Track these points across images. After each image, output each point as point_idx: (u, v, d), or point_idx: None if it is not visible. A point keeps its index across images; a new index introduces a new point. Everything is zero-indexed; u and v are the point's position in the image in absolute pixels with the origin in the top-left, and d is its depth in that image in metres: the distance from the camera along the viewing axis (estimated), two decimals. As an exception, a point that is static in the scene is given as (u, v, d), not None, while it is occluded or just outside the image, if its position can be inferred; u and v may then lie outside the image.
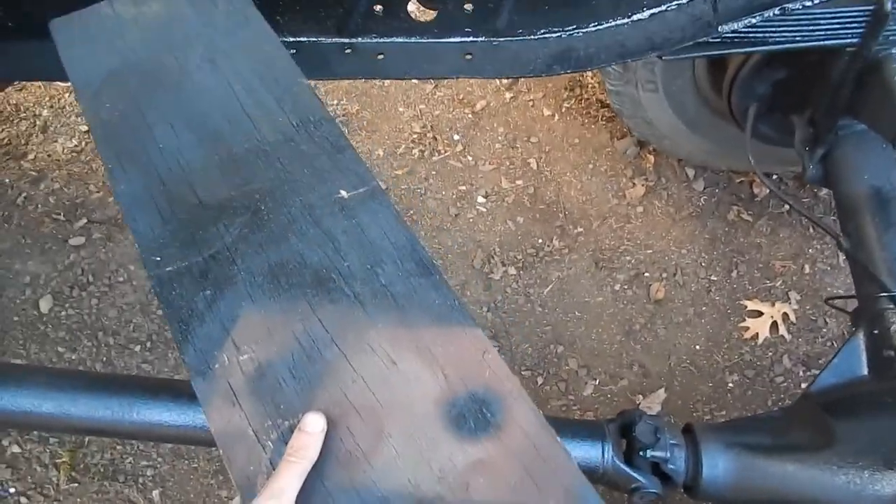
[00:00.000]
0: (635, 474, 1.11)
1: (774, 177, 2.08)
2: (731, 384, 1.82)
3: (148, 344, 1.92)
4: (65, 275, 2.04)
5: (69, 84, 1.16)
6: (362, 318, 0.85)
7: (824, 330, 1.87)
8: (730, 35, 1.11)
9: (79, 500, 1.72)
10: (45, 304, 1.98)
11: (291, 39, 1.32)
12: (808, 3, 1.04)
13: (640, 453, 1.12)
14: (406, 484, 0.76)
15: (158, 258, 0.91)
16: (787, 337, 1.85)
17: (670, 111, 1.84)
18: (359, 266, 0.89)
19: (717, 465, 1.12)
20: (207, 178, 0.98)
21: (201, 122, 1.03)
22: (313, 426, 0.77)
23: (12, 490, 1.73)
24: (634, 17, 1.18)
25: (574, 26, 1.21)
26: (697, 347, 1.87)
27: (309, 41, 1.32)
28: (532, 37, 1.24)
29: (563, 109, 2.29)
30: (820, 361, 1.82)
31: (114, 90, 1.08)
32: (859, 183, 1.40)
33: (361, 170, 0.97)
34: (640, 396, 1.81)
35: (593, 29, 1.21)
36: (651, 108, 1.84)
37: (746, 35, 1.14)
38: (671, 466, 1.12)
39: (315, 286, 0.88)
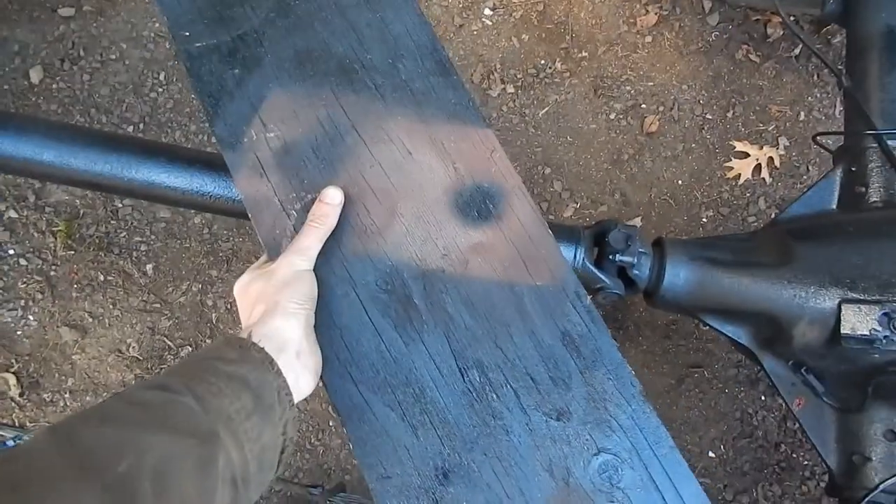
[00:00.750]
0: (601, 275, 1.18)
1: (792, 18, 2.01)
2: (704, 219, 1.88)
3: (141, 125, 1.93)
4: (55, 46, 1.99)
5: None
6: (382, 109, 0.90)
7: (805, 177, 1.91)
8: None
9: (75, 266, 1.81)
10: (35, 75, 1.95)
11: None
12: None
13: (610, 257, 1.19)
14: (413, 257, 0.86)
15: (187, 33, 0.93)
16: (768, 180, 1.89)
17: (697, -69, 1.73)
18: (381, 59, 0.92)
19: (679, 274, 1.19)
20: None
21: None
22: (332, 198, 0.85)
23: (11, 251, 1.82)
24: None
25: None
26: (680, 182, 1.92)
27: None
28: None
29: (585, -79, 2.14)
30: (795, 207, 1.88)
31: None
32: (875, 21, 1.36)
33: None
34: (618, 223, 1.88)
35: None
36: (677, -74, 1.73)
37: None
38: (636, 272, 1.20)
39: (338, 75, 0.91)
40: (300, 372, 0.77)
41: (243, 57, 0.93)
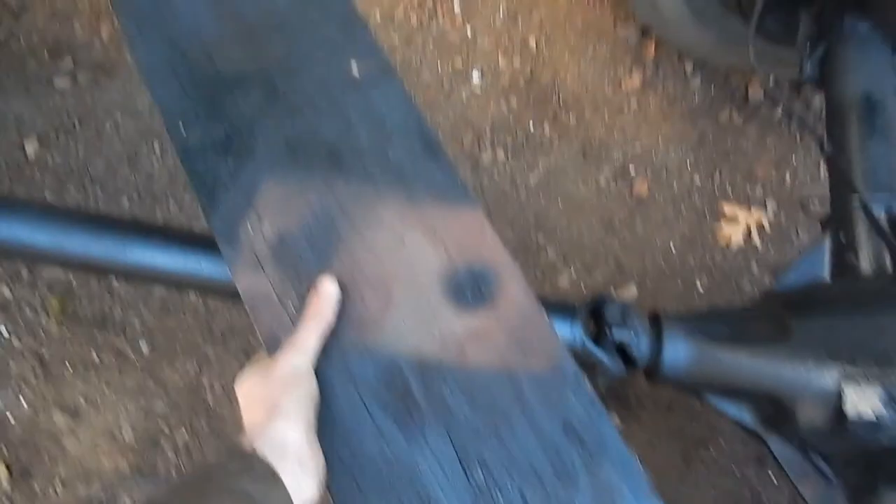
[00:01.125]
0: (599, 354, 1.18)
1: (771, 79, 2.06)
2: (699, 286, 1.90)
3: (135, 197, 1.94)
4: (51, 118, 2.00)
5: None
6: (373, 194, 0.91)
7: (796, 242, 1.93)
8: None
9: (69, 346, 1.80)
10: (30, 147, 1.96)
11: None
12: None
13: (608, 335, 1.19)
14: (411, 347, 0.86)
15: (181, 126, 0.95)
16: (759, 244, 1.92)
17: (679, -3, 1.78)
18: (370, 143, 0.93)
19: (678, 350, 1.18)
20: (224, 47, 0.99)
21: None
22: (327, 291, 0.85)
23: (3, 331, 1.80)
24: None
25: None
26: (672, 247, 1.94)
27: None
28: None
29: (571, -12, 2.21)
30: (785, 269, 1.90)
31: None
32: (853, 86, 1.38)
33: (374, 47, 0.99)
34: (612, 288, 1.89)
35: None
36: (660, -8, 1.78)
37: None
38: (634, 349, 1.19)
39: (329, 161, 0.92)
40: (303, 479, 0.76)
41: (237, 148, 0.94)
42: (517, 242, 1.93)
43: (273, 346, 0.87)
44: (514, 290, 0.88)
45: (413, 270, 0.88)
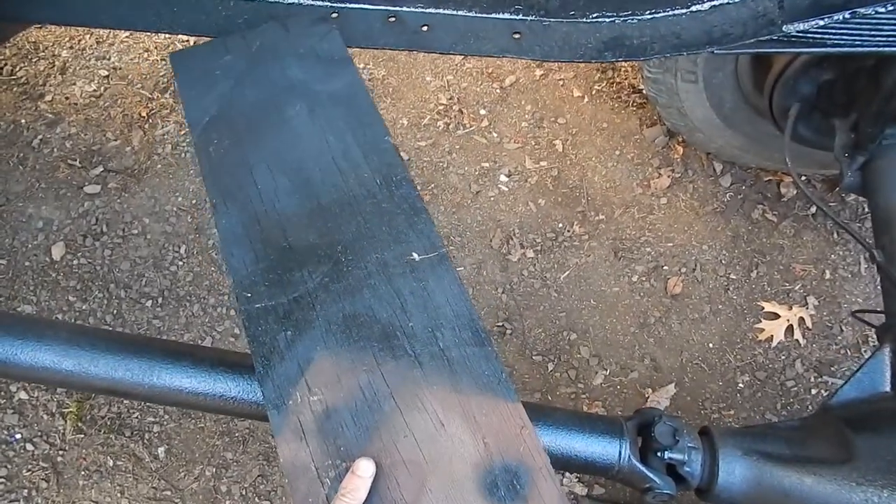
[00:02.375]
0: (651, 474, 1.11)
1: (803, 178, 2.05)
2: (741, 384, 1.81)
3: (160, 300, 1.91)
4: (78, 223, 2.01)
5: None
6: (419, 377, 0.93)
7: (839, 337, 1.86)
8: (792, 35, 1.07)
9: (84, 451, 1.72)
10: (57, 252, 1.96)
11: (335, 5, 1.28)
12: (882, 9, 1.00)
13: (658, 454, 1.12)
14: None
15: (249, 294, 1.01)
16: (802, 342, 1.84)
17: (707, 104, 1.80)
18: (421, 328, 0.97)
19: (734, 471, 1.12)
20: (297, 223, 1.06)
21: (296, 167, 1.12)
22: (364, 471, 0.86)
23: (18, 436, 1.73)
24: (694, 8, 1.13)
25: (629, 12, 1.17)
26: (711, 345, 1.86)
27: (352, 7, 1.28)
28: (584, 20, 1.20)
29: (594, 92, 2.25)
30: (832, 368, 1.81)
31: (222, 127, 1.18)
32: None
33: (433, 235, 1.05)
34: (650, 390, 1.81)
35: (649, 17, 1.17)
36: (687, 99, 1.80)
37: (808, 36, 1.10)
38: (687, 469, 1.12)
39: (381, 341, 0.96)
40: None
41: (296, 319, 0.98)
42: (549, 342, 1.87)
43: None
44: (548, 494, 0.86)
45: (449, 459, 0.88)
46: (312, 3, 1.30)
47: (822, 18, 1.02)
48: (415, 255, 1.03)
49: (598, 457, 1.14)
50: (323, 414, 0.91)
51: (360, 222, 1.06)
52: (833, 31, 1.08)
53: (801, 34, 1.06)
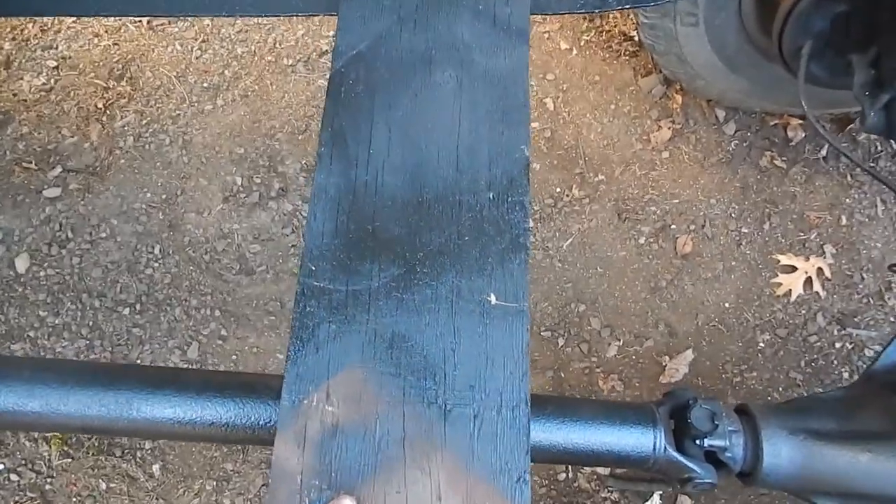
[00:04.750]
0: (691, 464, 1.02)
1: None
2: (762, 344, 1.72)
3: (137, 306, 1.78)
4: (41, 230, 1.86)
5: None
6: (438, 437, 0.84)
7: (860, 286, 1.77)
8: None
9: (73, 476, 1.61)
10: (21, 264, 1.82)
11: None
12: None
13: (696, 441, 1.03)
14: None
15: (314, 268, 0.92)
16: (822, 293, 1.75)
17: (709, 47, 1.67)
18: (464, 382, 0.86)
19: (780, 452, 1.04)
20: (390, 208, 0.96)
21: (415, 143, 1.00)
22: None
23: (1, 466, 1.62)
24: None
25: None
26: (727, 305, 1.77)
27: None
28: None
29: (582, 43, 2.10)
30: (856, 319, 1.73)
31: (364, 68, 1.05)
32: None
33: (522, 283, 0.92)
34: (667, 358, 1.72)
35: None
36: (688, 44, 1.67)
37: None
38: (728, 455, 1.04)
39: (418, 377, 0.87)
40: None
41: (346, 315, 0.89)
42: (557, 316, 1.76)
43: None
44: None
45: None
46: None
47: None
48: (492, 297, 0.91)
49: (632, 449, 1.04)
50: (331, 428, 0.83)
51: (453, 234, 0.94)
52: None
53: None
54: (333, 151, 0.99)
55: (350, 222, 0.95)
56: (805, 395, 1.64)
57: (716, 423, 1.04)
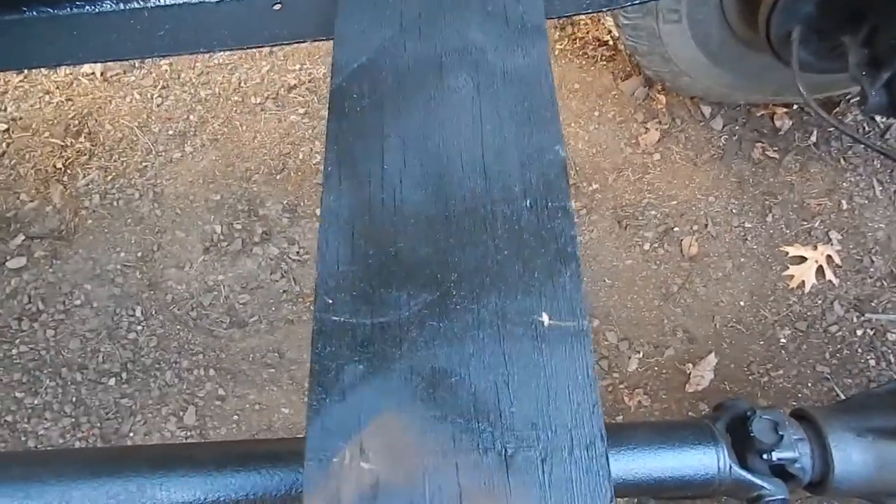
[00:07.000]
0: (760, 481, 0.95)
1: (795, 107, 1.91)
2: (783, 340, 1.67)
3: (123, 375, 1.64)
4: (8, 305, 1.72)
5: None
6: (502, 489, 0.71)
7: (871, 270, 1.73)
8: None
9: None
10: (-11, 344, 1.67)
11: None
12: None
13: (763, 456, 0.96)
14: None
15: (330, 301, 0.81)
16: (835, 281, 1.71)
17: (693, 43, 1.64)
18: (523, 420, 0.74)
19: (850, 457, 0.98)
20: (413, 226, 0.86)
21: (435, 153, 0.91)
22: None
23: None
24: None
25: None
26: (742, 303, 1.72)
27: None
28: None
29: (557, 52, 2.06)
30: (873, 304, 1.69)
31: (367, 81, 0.97)
32: None
33: (578, 297, 0.81)
34: (690, 365, 1.65)
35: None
36: (671, 42, 1.64)
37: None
38: (798, 466, 0.97)
39: (468, 419, 0.75)
40: None
41: (375, 352, 0.78)
42: (571, 336, 1.69)
43: None
44: None
45: None
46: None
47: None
48: (545, 318, 0.80)
49: (695, 472, 0.96)
50: (369, 491, 0.71)
51: (489, 249, 0.84)
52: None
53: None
54: (342, 171, 0.90)
55: (368, 246, 0.85)
56: (834, 388, 1.59)
57: (780, 433, 0.98)
